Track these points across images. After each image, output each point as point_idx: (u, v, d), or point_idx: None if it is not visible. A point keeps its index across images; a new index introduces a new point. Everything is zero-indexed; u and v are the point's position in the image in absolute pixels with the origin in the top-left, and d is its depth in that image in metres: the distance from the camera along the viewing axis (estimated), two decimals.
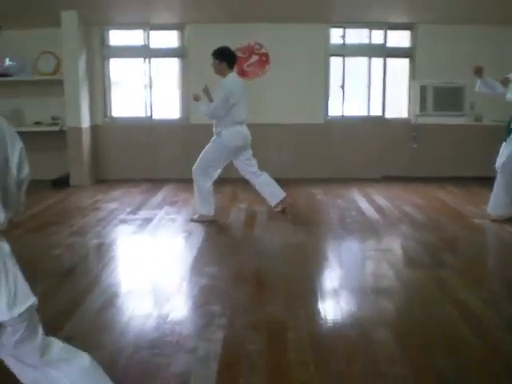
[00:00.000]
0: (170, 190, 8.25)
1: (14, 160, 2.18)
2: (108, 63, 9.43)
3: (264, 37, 9.13)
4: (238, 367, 3.20)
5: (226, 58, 6.28)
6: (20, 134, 2.25)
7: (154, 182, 8.89)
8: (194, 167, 6.40)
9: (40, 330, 2.24)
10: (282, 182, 8.04)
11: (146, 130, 9.38)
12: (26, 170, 2.25)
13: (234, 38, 8.80)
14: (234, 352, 3.37)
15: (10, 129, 2.17)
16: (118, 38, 9.49)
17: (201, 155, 6.45)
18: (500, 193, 6.39)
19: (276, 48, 9.17)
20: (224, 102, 6.17)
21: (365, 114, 9.52)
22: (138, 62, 9.40)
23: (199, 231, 6.03)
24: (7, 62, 9.16)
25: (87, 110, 9.05)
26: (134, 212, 6.95)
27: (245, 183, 8.04)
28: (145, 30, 9.30)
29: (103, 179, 9.21)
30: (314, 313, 3.97)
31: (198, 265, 4.97)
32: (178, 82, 9.44)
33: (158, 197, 7.84)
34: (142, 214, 6.87)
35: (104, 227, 6.29)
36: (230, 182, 8.17)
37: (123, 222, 6.52)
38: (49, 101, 9.20)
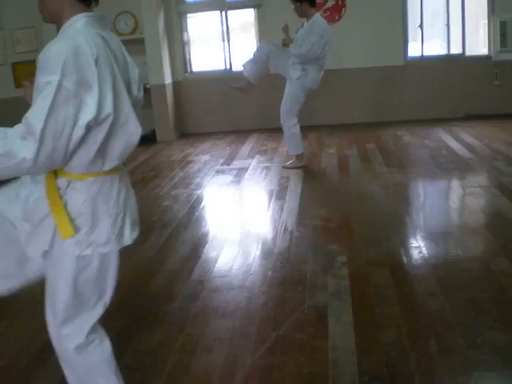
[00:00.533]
0: (256, 140, 8.39)
1: (135, 78, 2.11)
2: (185, 19, 9.54)
3: None
4: (369, 299, 3.35)
5: None
6: None
7: (236, 133, 9.04)
8: (281, 113, 6.48)
9: None
10: (363, 125, 8.12)
11: (226, 82, 9.45)
12: (142, 91, 2.17)
13: None
14: (362, 286, 3.53)
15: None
16: None
17: (284, 99, 6.52)
18: None
19: None
20: (319, 41, 6.15)
21: (445, 52, 9.37)
22: (214, 16, 9.47)
23: (296, 177, 6.19)
24: None
25: (168, 67, 9.22)
26: (227, 163, 7.14)
27: (329, 129, 8.16)
28: None
29: (187, 133, 9.43)
30: (430, 248, 4.08)
31: (306, 208, 5.13)
32: (255, 33, 9.48)
33: (246, 147, 8.00)
34: (236, 163, 7.06)
35: (203, 178, 6.52)
36: (313, 128, 8.29)
37: (220, 172, 6.73)
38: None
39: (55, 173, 1.98)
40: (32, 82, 1.92)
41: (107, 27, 2.05)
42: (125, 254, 3.86)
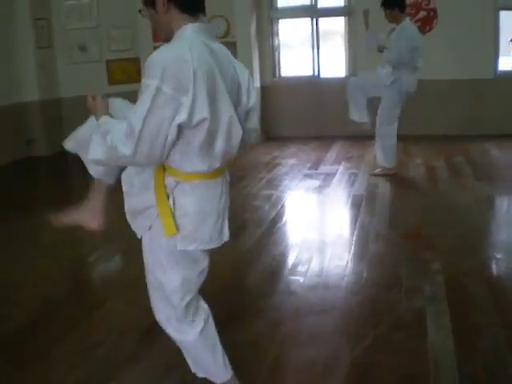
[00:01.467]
0: (341, 147, 8.45)
1: (244, 83, 2.22)
2: (276, 24, 9.70)
3: None
4: (466, 306, 3.39)
5: (395, 4, 6.21)
6: None
7: (321, 139, 9.12)
8: (378, 123, 6.52)
9: None
10: (449, 138, 8.07)
11: (313, 88, 9.61)
12: (254, 97, 2.28)
13: None
14: (457, 293, 3.57)
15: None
16: None
17: (381, 108, 6.55)
18: None
19: (444, 3, 9.04)
20: (408, 46, 6.17)
21: None
22: (305, 22, 9.59)
23: (385, 184, 6.23)
24: None
25: (258, 71, 9.39)
26: (314, 167, 7.25)
27: (415, 139, 8.14)
28: None
29: (272, 137, 9.56)
30: None
31: (397, 215, 5.17)
32: (344, 41, 9.55)
33: (332, 153, 8.07)
34: (323, 168, 7.15)
35: (291, 181, 6.65)
36: (398, 137, 8.28)
37: (308, 176, 6.84)
38: None
39: (163, 170, 2.14)
40: (94, 98, 2.23)
41: (212, 36, 2.19)
42: (221, 249, 4.03)
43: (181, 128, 1.99)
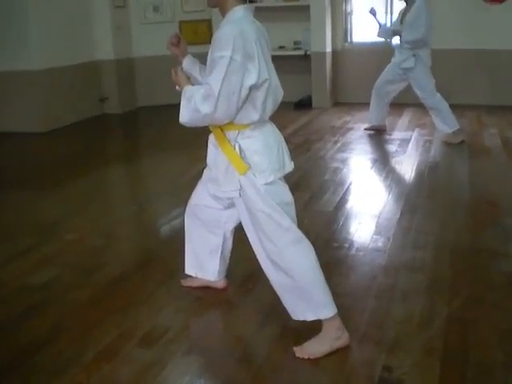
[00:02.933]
0: (413, 114, 8.43)
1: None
2: None
3: None
4: None
5: None
6: None
7: (392, 105, 8.98)
8: (425, 96, 6.73)
9: None
10: None
11: (384, 54, 9.52)
12: None
13: None
14: None
15: None
16: None
17: (416, 88, 6.77)
18: None
19: None
20: (429, 23, 6.44)
21: None
22: None
23: (461, 153, 6.27)
24: None
25: (329, 35, 9.39)
26: (388, 133, 7.27)
27: (487, 108, 8.08)
28: None
29: (340, 102, 9.59)
30: None
31: (478, 182, 5.23)
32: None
33: (404, 120, 8.09)
34: (397, 134, 7.20)
35: (365, 145, 6.75)
36: (472, 107, 8.27)
37: (383, 141, 6.91)
38: (291, 26, 9.64)
39: (221, 130, 2.66)
40: (176, 72, 2.70)
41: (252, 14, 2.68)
42: (305, 207, 4.17)
43: (250, 88, 2.50)
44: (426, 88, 6.67)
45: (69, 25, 8.68)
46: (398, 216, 4.44)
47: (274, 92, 2.63)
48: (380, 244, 3.92)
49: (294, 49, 9.60)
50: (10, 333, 2.99)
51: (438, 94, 6.66)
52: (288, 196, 2.77)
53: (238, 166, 2.64)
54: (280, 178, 2.72)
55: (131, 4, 9.75)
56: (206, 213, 3.12)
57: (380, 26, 7.07)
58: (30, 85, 8.05)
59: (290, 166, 2.78)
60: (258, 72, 2.49)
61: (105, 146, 7.73)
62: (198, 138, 7.26)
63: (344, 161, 6.05)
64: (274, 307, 3.00)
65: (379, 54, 9.38)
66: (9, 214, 4.92)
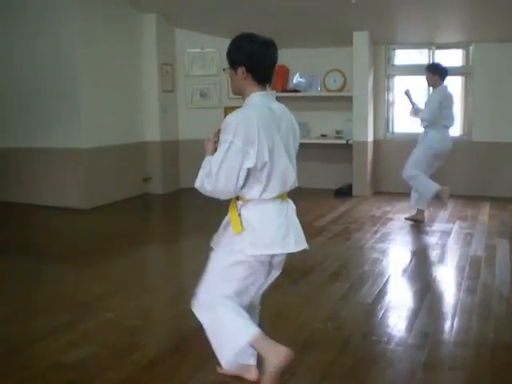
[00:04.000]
0: (454, 205, 8.41)
1: (296, 137, 3.03)
2: (392, 81, 9.85)
3: None
4: None
5: (438, 72, 7.12)
6: (307, 145, 2.89)
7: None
8: (406, 166, 7.31)
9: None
10: None
11: None
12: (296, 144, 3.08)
13: None
14: None
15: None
16: (402, 56, 9.88)
17: (412, 156, 7.36)
18: None
19: None
20: (436, 105, 7.00)
21: None
22: (420, 80, 9.68)
23: (504, 246, 6.17)
24: (297, 78, 9.97)
25: (371, 125, 9.54)
26: (428, 224, 7.25)
27: None
28: (429, 49, 9.58)
29: (380, 191, 9.63)
30: None
31: None
32: (461, 100, 9.58)
33: (445, 211, 8.04)
34: (438, 226, 7.16)
35: (406, 236, 6.72)
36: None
37: (423, 232, 6.88)
38: (333, 115, 9.85)
39: (237, 198, 2.88)
40: (209, 140, 2.91)
41: (274, 99, 2.93)
42: (344, 297, 4.16)
43: (249, 170, 2.72)
44: (411, 160, 7.26)
45: (119, 106, 9.02)
46: (438, 311, 4.38)
47: (281, 175, 2.82)
48: (419, 340, 3.85)
49: (336, 137, 9.74)
50: None
51: (417, 173, 7.18)
52: (256, 278, 2.99)
53: (234, 226, 2.86)
54: (270, 262, 2.96)
55: (179, 89, 10.09)
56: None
57: (413, 106, 7.60)
58: (78, 162, 8.32)
59: (292, 247, 2.90)
60: (256, 156, 2.69)
61: (146, 226, 7.85)
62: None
63: (384, 252, 6.03)
64: None
65: None
66: (48, 289, 4.98)
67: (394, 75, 9.90)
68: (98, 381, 3.31)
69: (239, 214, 2.86)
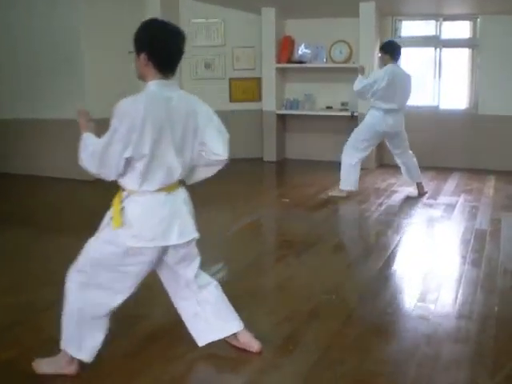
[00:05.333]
0: (460, 179, 8.40)
1: (201, 124, 2.96)
2: None
3: None
4: None
5: (388, 50, 6.96)
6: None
7: (438, 169, 9.07)
8: (346, 143, 7.25)
9: (197, 259, 3.15)
10: None
11: (432, 118, 9.59)
12: (211, 135, 3.03)
13: None
14: None
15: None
16: (409, 28, 9.77)
17: (353, 133, 7.28)
18: None
19: None
20: (373, 82, 6.78)
21: None
22: (428, 52, 9.61)
23: (509, 220, 6.15)
24: (302, 49, 9.89)
25: None
26: (433, 197, 7.26)
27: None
28: (437, 20, 9.47)
29: (385, 164, 9.58)
30: None
31: None
32: (468, 73, 9.51)
33: (450, 184, 8.04)
34: (442, 199, 7.15)
35: (411, 208, 6.71)
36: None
37: (428, 205, 6.88)
38: (339, 87, 9.75)
39: (123, 189, 2.84)
40: (80, 115, 3.02)
41: (176, 89, 2.88)
42: (349, 269, 4.18)
43: (128, 159, 2.68)
44: (351, 138, 7.18)
45: (123, 78, 8.92)
46: (443, 283, 4.38)
47: (165, 168, 2.78)
48: (424, 311, 3.86)
49: (341, 109, 9.67)
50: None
51: (352, 152, 7.10)
52: (137, 269, 2.90)
53: (114, 221, 2.81)
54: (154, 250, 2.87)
55: (184, 60, 9.96)
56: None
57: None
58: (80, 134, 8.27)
59: (176, 239, 2.88)
60: (135, 146, 2.65)
61: None
62: (241, 194, 7.41)
63: (388, 224, 6.02)
64: (315, 369, 2.97)
65: (427, 117, 9.46)
66: (48, 261, 4.95)
67: (402, 47, 9.76)
68: (102, 350, 3.32)
69: (123, 207, 2.81)
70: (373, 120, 7.00)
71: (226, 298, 3.28)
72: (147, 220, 2.80)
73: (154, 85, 2.79)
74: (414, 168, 7.37)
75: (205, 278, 3.22)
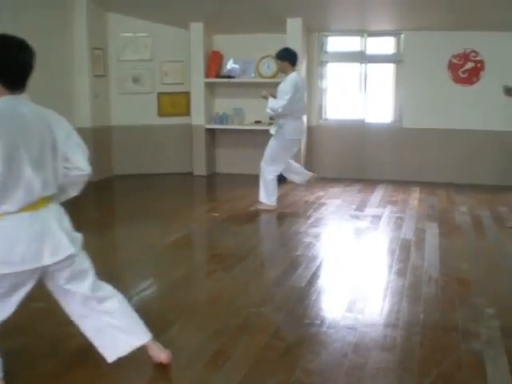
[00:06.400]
0: (385, 190, 8.61)
1: (60, 138, 2.84)
2: (325, 67, 9.96)
3: (479, 44, 9.20)
4: None
5: (286, 57, 6.97)
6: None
7: (364, 182, 9.28)
8: (263, 159, 7.22)
9: (90, 273, 3.04)
10: (491, 188, 8.24)
11: (358, 132, 9.81)
12: (71, 147, 2.92)
13: (449, 45, 9.09)
14: None
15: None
16: (335, 43, 9.99)
17: (268, 149, 7.23)
18: None
19: (491, 56, 9.21)
20: (290, 97, 6.78)
21: None
22: (353, 67, 9.84)
23: (432, 230, 6.35)
24: (231, 64, 9.96)
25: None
26: (360, 209, 7.40)
27: (457, 187, 8.30)
28: (362, 36, 9.71)
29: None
30: None
31: (447, 260, 5.29)
32: (392, 87, 9.77)
33: (376, 196, 8.22)
34: (369, 211, 7.30)
35: (338, 220, 6.84)
36: (442, 185, 8.46)
37: (354, 217, 7.00)
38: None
39: None
40: None
41: (27, 104, 2.73)
42: (278, 281, 4.23)
43: None
44: (267, 154, 7.16)
45: (48, 91, 8.76)
46: (370, 293, 4.47)
47: (24, 186, 2.62)
48: (351, 321, 3.92)
49: (270, 124, 9.72)
50: None
51: (273, 169, 7.13)
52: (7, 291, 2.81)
53: None
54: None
55: (111, 74, 9.91)
56: None
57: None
58: None
59: (49, 259, 2.75)
60: None
61: (77, 213, 7.68)
62: (171, 209, 7.37)
63: (317, 236, 6.10)
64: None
65: (353, 131, 9.68)
66: None
67: (327, 62, 9.99)
68: (29, 371, 3.24)
69: None
70: (292, 130, 7.10)
71: (131, 310, 3.18)
72: (12, 244, 2.65)
73: (2, 102, 2.65)
74: (296, 167, 7.64)
75: (106, 290, 3.10)
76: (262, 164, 7.20)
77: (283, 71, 7.14)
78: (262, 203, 7.19)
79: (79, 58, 9.31)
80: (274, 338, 3.68)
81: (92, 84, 9.48)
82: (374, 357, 3.43)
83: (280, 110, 6.88)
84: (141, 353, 3.26)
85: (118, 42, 9.93)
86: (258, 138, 9.69)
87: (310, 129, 9.78)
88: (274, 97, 7.07)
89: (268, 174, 7.15)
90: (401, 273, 4.94)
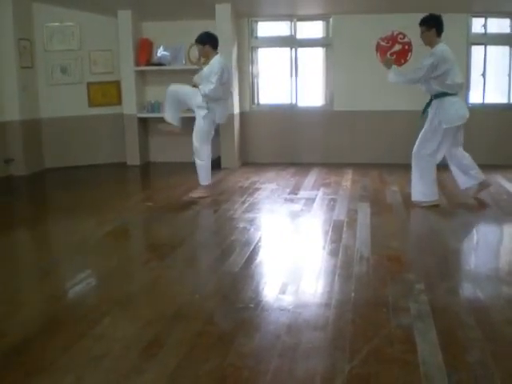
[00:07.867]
0: (318, 174, 8.72)
1: None
2: (256, 53, 9.98)
3: (407, 27, 9.35)
4: (451, 323, 3.62)
5: (207, 41, 6.99)
6: None
7: (297, 166, 9.38)
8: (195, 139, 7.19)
9: None
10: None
11: (290, 116, 9.89)
12: None
13: (377, 28, 9.20)
14: (442, 311, 3.78)
15: None
16: (265, 28, 10.02)
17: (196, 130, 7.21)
18: None
19: (417, 37, 9.38)
20: (219, 80, 6.80)
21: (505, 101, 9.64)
22: (284, 52, 9.89)
23: (364, 210, 6.49)
24: (161, 51, 9.87)
25: (237, 98, 9.61)
26: (294, 192, 7.49)
27: (389, 167, 8.47)
28: (291, 21, 9.77)
29: (249, 162, 9.78)
30: (500, 283, 4.32)
31: (379, 239, 5.40)
32: (323, 71, 9.87)
33: (309, 179, 8.32)
34: (303, 194, 7.39)
35: (273, 204, 6.89)
36: (373, 166, 8.62)
37: (289, 200, 7.08)
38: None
39: None
40: None
41: None
42: (212, 268, 4.25)
43: None
44: (197, 133, 7.13)
45: None
46: (303, 274, 4.53)
47: None
48: (285, 303, 3.97)
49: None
50: None
51: (206, 148, 7.16)
52: None
53: None
54: None
55: (38, 65, 9.68)
56: None
57: None
58: None
59: None
60: None
61: (10, 209, 7.53)
62: (105, 200, 7.28)
63: (251, 221, 6.13)
64: (178, 371, 2.98)
65: (285, 115, 9.74)
66: None
67: (258, 47, 10.02)
68: None
69: None
70: (220, 114, 7.15)
71: None
72: None
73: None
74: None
75: None
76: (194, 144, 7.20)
77: (205, 56, 7.03)
78: (199, 188, 7.27)
79: (5, 50, 9.06)
80: (208, 324, 3.70)
81: (19, 76, 9.25)
82: (306, 337, 3.48)
83: (212, 93, 6.83)
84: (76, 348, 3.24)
85: (44, 33, 9.70)
86: (191, 126, 9.66)
87: (242, 114, 9.82)
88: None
89: (201, 154, 7.18)
90: (333, 253, 5.03)
